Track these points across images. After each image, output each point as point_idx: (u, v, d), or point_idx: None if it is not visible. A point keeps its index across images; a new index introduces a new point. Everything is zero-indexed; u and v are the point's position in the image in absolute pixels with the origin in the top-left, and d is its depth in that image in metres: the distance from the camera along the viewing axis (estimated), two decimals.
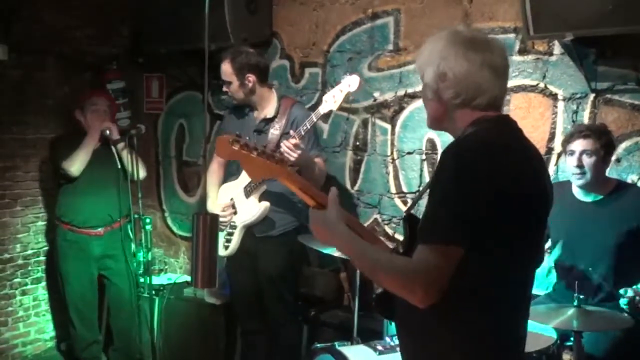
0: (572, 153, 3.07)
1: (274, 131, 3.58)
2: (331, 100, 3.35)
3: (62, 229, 4.23)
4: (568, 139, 3.13)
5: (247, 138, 2.05)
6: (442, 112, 1.80)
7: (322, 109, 3.36)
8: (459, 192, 1.61)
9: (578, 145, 3.05)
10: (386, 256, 1.74)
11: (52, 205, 4.43)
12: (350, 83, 3.35)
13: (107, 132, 4.13)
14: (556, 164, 3.50)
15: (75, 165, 4.11)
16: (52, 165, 4.34)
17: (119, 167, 4.14)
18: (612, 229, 3.05)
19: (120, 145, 4.15)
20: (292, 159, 3.30)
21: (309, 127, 3.36)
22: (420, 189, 3.90)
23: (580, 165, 3.04)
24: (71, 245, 4.21)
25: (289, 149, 3.29)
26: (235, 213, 3.67)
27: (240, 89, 3.61)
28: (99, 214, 4.21)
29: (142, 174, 4.31)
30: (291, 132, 3.37)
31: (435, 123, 1.86)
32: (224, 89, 3.67)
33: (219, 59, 3.60)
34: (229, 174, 3.84)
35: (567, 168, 3.17)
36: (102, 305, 4.50)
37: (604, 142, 3.03)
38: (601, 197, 3.12)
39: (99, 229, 4.22)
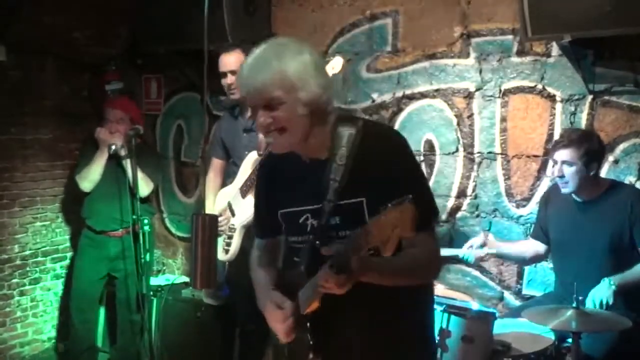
0: (555, 163, 3.14)
1: None
2: None
3: (85, 228, 4.36)
4: (552, 148, 3.21)
5: None
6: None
7: None
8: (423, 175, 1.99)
9: (559, 155, 3.11)
10: (409, 257, 1.78)
11: (52, 205, 4.44)
12: (334, 65, 3.30)
13: (113, 147, 4.09)
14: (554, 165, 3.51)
15: (85, 182, 4.23)
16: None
17: (126, 180, 4.12)
18: (604, 228, 3.08)
19: (126, 161, 4.10)
20: None
21: None
22: None
23: (561, 176, 3.10)
24: (90, 243, 4.32)
25: None
26: (233, 215, 3.67)
27: None
28: (117, 217, 4.26)
29: (147, 191, 4.32)
30: None
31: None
32: (229, 80, 3.55)
33: (217, 59, 3.60)
34: (227, 179, 3.85)
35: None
36: (108, 311, 4.56)
37: (584, 150, 3.06)
38: (595, 197, 3.15)
39: (118, 231, 4.27)
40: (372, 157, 1.80)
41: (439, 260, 1.94)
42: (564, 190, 3.15)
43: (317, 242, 1.77)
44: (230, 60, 3.57)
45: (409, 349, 1.92)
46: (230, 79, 3.59)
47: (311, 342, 1.82)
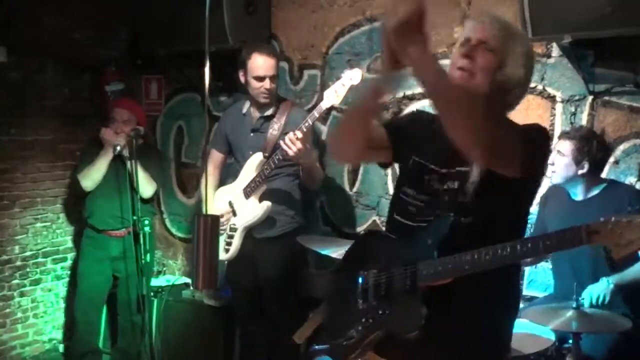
0: (552, 152, 3.18)
1: (273, 131, 3.57)
2: (333, 95, 3.28)
3: (87, 228, 4.34)
4: (558, 137, 3.27)
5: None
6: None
7: (324, 104, 3.29)
8: None
9: (558, 145, 3.18)
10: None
11: (52, 206, 4.44)
12: (352, 77, 3.28)
13: (118, 148, 4.07)
14: None
15: (87, 181, 4.21)
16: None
17: (130, 180, 4.10)
18: None
19: (130, 162, 4.08)
20: (291, 153, 3.28)
21: (311, 123, 3.31)
22: None
23: (552, 164, 3.16)
24: (92, 243, 4.31)
25: (291, 140, 3.26)
26: (234, 215, 3.66)
27: (277, 84, 3.62)
28: (118, 215, 4.25)
29: (150, 192, 4.30)
30: (295, 132, 3.32)
31: None
32: (268, 86, 3.53)
33: (218, 60, 3.59)
34: (228, 177, 3.85)
35: None
36: (108, 312, 4.56)
37: (577, 146, 3.10)
38: (591, 195, 3.17)
39: (121, 230, 4.27)
40: None
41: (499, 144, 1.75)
42: (552, 180, 3.22)
43: (452, 214, 1.85)
44: (270, 65, 3.54)
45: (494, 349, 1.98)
46: (268, 84, 3.54)
47: (424, 322, 1.79)
